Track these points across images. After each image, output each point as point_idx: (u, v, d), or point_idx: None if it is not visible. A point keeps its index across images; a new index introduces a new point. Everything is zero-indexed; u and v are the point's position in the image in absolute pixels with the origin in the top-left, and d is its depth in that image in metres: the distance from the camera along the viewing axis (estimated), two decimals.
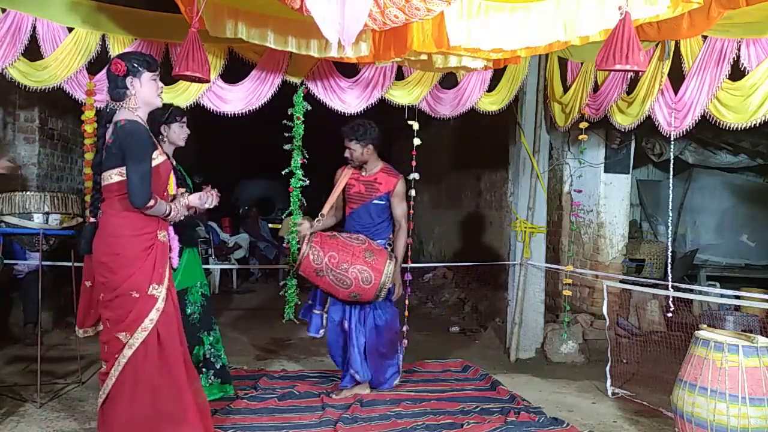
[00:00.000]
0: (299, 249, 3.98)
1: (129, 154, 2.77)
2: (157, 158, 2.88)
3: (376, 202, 4.21)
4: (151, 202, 2.81)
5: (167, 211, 2.93)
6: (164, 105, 3.41)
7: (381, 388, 4.34)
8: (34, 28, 4.36)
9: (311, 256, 3.92)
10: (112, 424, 2.84)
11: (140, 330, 2.80)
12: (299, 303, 5.21)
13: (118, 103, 2.89)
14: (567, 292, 5.49)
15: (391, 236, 4.28)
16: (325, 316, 4.27)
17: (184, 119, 3.79)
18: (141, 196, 2.78)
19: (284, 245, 5.43)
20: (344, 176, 4.31)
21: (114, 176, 2.82)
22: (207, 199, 3.12)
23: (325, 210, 4.28)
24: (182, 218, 3.09)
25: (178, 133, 3.74)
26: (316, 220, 4.24)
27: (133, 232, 2.83)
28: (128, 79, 2.86)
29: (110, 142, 2.83)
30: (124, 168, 2.79)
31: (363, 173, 4.27)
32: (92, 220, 2.95)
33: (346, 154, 4.21)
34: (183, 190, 3.32)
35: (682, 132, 4.27)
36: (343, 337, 4.23)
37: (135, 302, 2.80)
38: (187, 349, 3.04)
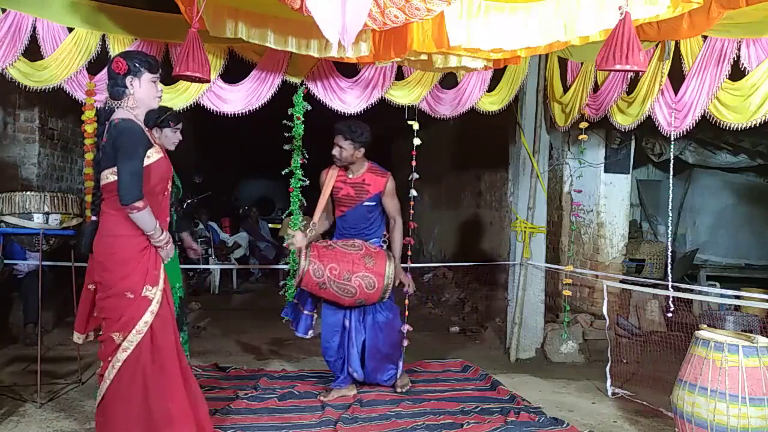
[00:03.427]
0: (298, 264, 3.91)
1: (120, 152, 2.73)
2: (152, 156, 2.82)
3: (367, 203, 4.13)
4: (140, 203, 2.71)
5: (154, 229, 2.80)
6: (161, 108, 3.41)
7: (381, 384, 4.33)
8: (34, 28, 4.36)
9: (311, 270, 3.85)
10: (108, 424, 2.83)
11: (135, 332, 2.76)
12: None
13: (116, 102, 2.87)
14: (567, 292, 5.48)
15: (384, 233, 4.21)
16: (316, 317, 4.22)
17: (179, 125, 3.80)
18: (129, 192, 2.69)
19: (284, 245, 5.41)
20: (330, 178, 4.16)
21: (110, 176, 2.78)
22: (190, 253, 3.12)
23: (316, 217, 4.16)
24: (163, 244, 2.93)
25: (169, 137, 3.76)
26: (308, 230, 4.10)
27: (130, 232, 2.79)
28: (128, 78, 2.84)
29: (104, 142, 2.81)
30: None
31: (350, 175, 4.14)
32: (93, 218, 2.94)
33: (334, 151, 4.07)
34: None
35: (682, 132, 4.27)
36: (341, 337, 4.18)
37: (129, 303, 2.77)
38: (183, 351, 3.02)
